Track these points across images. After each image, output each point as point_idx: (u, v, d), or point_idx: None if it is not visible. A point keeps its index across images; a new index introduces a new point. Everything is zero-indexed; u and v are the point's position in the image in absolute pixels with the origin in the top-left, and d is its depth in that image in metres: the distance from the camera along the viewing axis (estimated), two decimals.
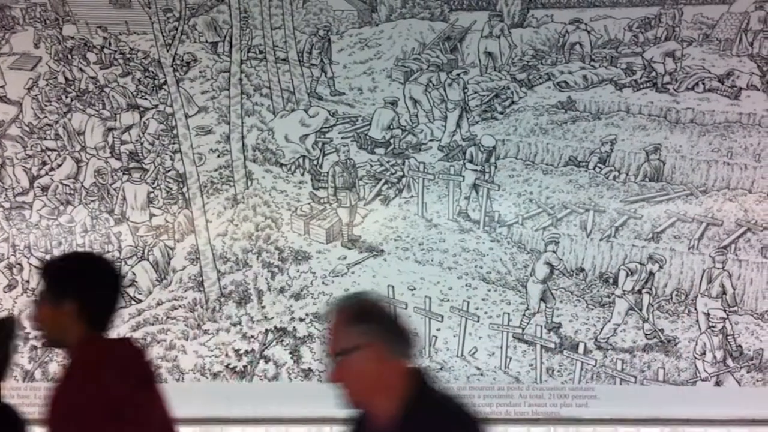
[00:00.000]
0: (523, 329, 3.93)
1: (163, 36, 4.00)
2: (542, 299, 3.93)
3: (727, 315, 3.86)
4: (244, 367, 3.96)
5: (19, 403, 3.98)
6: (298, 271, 3.98)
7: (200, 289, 3.99)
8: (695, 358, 3.88)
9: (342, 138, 4.01)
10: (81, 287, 2.00)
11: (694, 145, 3.91)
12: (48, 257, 4.00)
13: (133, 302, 4.01)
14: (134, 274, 4.00)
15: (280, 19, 4.01)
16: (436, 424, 1.73)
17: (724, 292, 3.87)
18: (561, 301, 3.92)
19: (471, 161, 3.97)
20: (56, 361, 3.99)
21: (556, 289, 3.92)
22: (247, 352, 3.97)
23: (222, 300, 3.99)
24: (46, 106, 4.04)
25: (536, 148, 4.00)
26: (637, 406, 3.85)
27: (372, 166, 4.00)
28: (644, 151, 3.93)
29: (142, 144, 4.03)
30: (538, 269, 3.92)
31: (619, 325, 3.90)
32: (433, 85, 4.01)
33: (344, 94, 4.03)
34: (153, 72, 4.03)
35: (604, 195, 3.94)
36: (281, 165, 4.02)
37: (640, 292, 3.90)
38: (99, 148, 4.03)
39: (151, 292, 4.01)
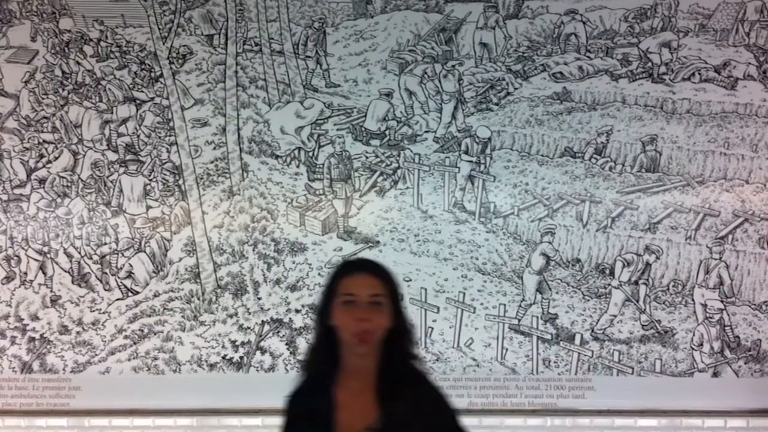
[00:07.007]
0: (520, 320, 3.92)
1: (159, 29, 4.02)
2: (538, 290, 3.92)
3: (725, 306, 3.85)
4: (241, 358, 3.97)
5: (16, 394, 4.05)
6: (294, 263, 3.98)
7: (197, 281, 4.00)
8: (692, 349, 3.86)
9: (337, 130, 4.01)
10: None
11: (690, 135, 3.90)
12: (46, 249, 4.03)
13: (130, 294, 4.02)
14: (131, 266, 4.01)
15: (275, 12, 4.02)
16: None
17: (722, 283, 3.85)
18: (557, 292, 3.91)
19: (466, 152, 3.96)
20: (54, 353, 4.01)
21: (552, 280, 3.92)
22: (243, 343, 3.97)
23: (218, 291, 3.99)
24: (43, 99, 4.06)
25: (532, 139, 4.00)
26: (634, 398, 3.84)
27: (367, 157, 4.00)
28: (640, 142, 3.92)
29: (138, 136, 4.05)
30: (534, 260, 3.92)
31: (615, 316, 3.89)
32: (429, 76, 4.01)
33: (339, 85, 4.04)
34: (149, 65, 4.04)
35: (600, 186, 3.93)
36: (277, 157, 4.03)
37: (636, 283, 3.89)
38: (96, 140, 4.05)
39: (147, 284, 4.02)
